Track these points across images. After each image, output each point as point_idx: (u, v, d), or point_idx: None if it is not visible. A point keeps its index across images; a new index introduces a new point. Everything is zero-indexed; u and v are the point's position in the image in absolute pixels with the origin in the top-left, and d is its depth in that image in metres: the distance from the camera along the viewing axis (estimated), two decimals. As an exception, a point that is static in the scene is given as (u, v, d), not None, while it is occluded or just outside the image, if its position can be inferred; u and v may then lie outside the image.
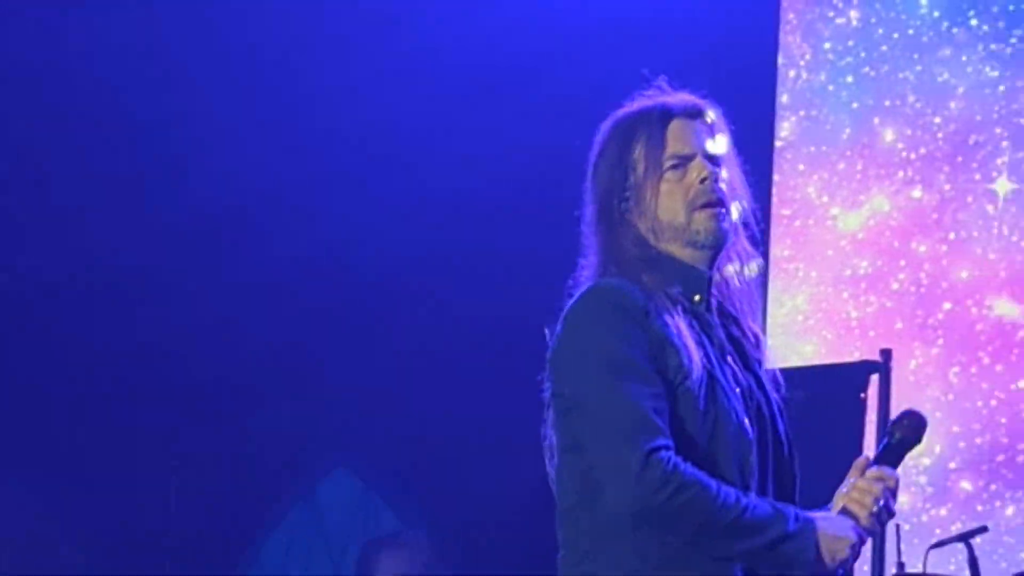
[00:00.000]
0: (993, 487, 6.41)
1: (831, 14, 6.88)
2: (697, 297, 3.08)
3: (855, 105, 6.75)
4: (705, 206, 3.07)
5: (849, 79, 6.75)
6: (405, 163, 6.97)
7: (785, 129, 6.88)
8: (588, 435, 2.95)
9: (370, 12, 6.96)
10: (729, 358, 3.07)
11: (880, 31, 6.74)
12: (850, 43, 6.82)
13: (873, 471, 3.04)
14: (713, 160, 3.10)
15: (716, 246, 3.09)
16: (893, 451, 3.08)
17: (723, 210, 3.08)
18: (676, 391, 2.94)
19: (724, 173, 3.10)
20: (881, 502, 3.01)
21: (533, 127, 6.64)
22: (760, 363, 3.16)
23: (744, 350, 3.14)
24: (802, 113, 6.86)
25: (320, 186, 7.00)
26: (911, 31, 6.72)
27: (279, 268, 6.94)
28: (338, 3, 6.98)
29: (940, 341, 6.48)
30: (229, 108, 6.85)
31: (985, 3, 6.66)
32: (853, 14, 6.85)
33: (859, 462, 3.05)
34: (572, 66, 6.79)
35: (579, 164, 3.20)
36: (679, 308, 3.02)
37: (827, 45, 6.87)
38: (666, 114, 3.12)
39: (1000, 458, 6.42)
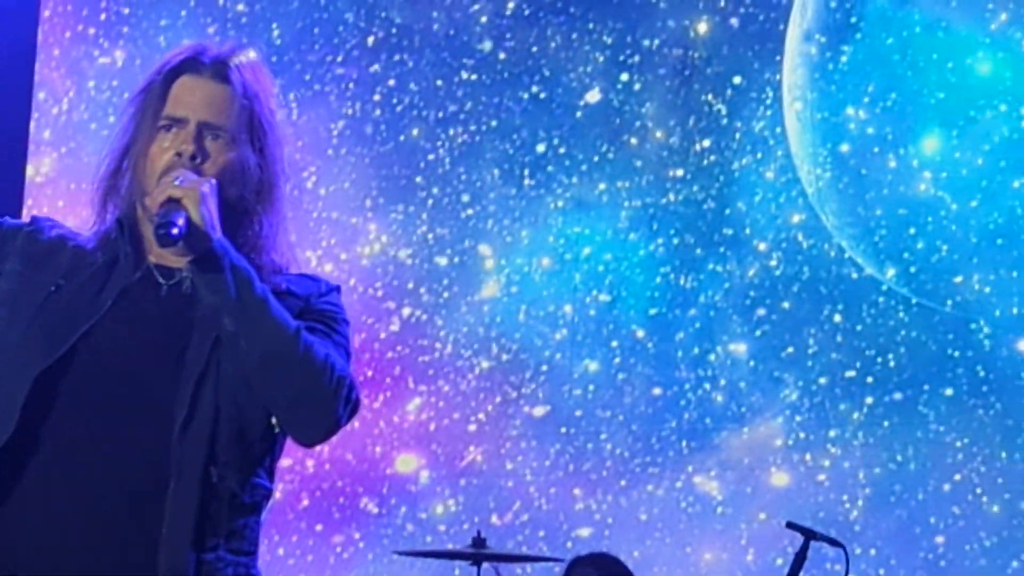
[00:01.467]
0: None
1: (96, 53, 6.89)
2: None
3: (117, 144, 6.75)
4: None
5: (112, 118, 6.72)
6: None
7: (45, 165, 6.77)
8: None
9: None
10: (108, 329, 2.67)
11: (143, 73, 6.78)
12: (115, 82, 6.84)
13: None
14: (214, 131, 2.66)
15: None
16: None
17: None
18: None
19: (225, 151, 2.66)
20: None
21: None
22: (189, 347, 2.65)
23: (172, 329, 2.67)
24: (63, 149, 6.78)
25: None
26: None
27: None
28: None
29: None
30: None
31: (336, 41, 6.94)
32: (119, 54, 6.88)
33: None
34: None
35: None
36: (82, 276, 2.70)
37: (91, 83, 6.86)
38: (181, 68, 2.69)
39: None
